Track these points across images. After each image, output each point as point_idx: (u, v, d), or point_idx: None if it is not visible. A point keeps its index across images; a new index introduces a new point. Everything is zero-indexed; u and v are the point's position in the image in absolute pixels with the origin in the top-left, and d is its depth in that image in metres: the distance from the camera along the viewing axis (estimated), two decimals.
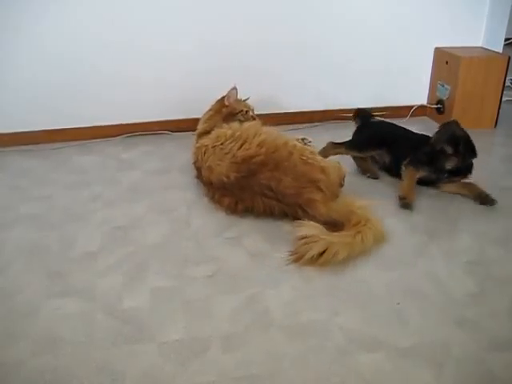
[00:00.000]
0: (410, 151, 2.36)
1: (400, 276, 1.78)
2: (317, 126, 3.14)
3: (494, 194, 2.25)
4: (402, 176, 2.33)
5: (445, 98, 3.13)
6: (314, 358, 1.43)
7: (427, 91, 3.32)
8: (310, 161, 2.08)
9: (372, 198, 2.10)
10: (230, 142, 2.16)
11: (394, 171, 2.43)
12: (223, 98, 2.52)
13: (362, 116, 2.73)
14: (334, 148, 2.51)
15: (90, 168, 2.62)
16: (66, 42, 2.75)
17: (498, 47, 3.14)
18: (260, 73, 2.98)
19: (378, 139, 2.51)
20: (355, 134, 2.61)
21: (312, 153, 2.15)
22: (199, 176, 2.32)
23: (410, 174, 2.29)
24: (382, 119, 2.99)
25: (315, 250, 1.79)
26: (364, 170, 2.51)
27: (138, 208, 2.23)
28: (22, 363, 1.42)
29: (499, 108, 3.11)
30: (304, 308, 1.62)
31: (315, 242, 1.81)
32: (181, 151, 2.77)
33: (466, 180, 2.32)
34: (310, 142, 2.37)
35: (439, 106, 3.19)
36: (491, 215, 2.15)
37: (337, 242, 1.81)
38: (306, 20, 2.96)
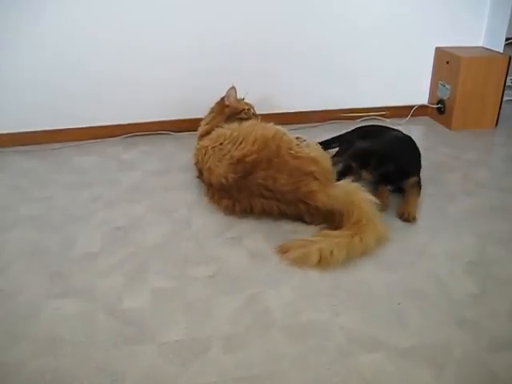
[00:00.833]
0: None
1: (400, 276, 1.78)
2: (316, 126, 3.13)
3: (494, 195, 2.25)
4: None
5: (445, 98, 3.13)
6: (315, 358, 1.43)
7: (428, 91, 3.32)
8: (299, 154, 2.08)
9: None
10: (228, 143, 2.16)
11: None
12: (222, 98, 2.51)
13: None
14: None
15: (90, 168, 2.62)
16: (66, 42, 2.75)
17: (499, 47, 3.14)
18: (260, 73, 2.98)
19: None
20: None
21: (298, 145, 2.14)
22: (200, 176, 2.32)
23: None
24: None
25: (312, 260, 1.80)
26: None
27: (139, 208, 2.22)
28: (22, 364, 1.42)
29: (500, 108, 3.11)
30: (304, 308, 1.62)
31: (307, 247, 1.83)
32: (181, 151, 2.77)
33: (412, 189, 2.24)
34: (304, 140, 2.35)
35: (440, 105, 3.18)
36: (492, 216, 2.15)
37: (333, 244, 1.81)
38: (305, 20, 2.96)
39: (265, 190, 2.03)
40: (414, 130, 3.05)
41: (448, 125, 3.13)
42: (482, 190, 2.37)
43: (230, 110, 2.47)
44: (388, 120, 3.17)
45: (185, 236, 2.02)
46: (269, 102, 3.02)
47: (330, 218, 2.00)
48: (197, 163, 2.32)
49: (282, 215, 2.08)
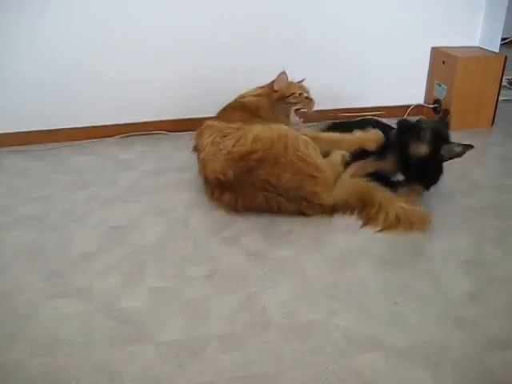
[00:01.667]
0: None
1: (397, 276, 1.78)
2: (315, 126, 3.13)
3: (490, 194, 2.25)
4: None
5: (442, 98, 3.14)
6: (312, 357, 1.43)
7: (424, 91, 3.33)
8: (305, 157, 2.08)
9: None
10: (230, 139, 2.14)
11: None
12: (273, 82, 2.47)
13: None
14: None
15: (88, 168, 2.62)
16: (62, 43, 2.74)
17: (495, 47, 3.15)
18: (260, 73, 2.97)
19: None
20: None
21: (306, 146, 2.12)
22: (195, 151, 2.35)
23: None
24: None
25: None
26: None
27: (136, 208, 2.22)
28: (21, 364, 1.42)
29: (496, 107, 3.12)
30: (302, 308, 1.62)
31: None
32: (177, 151, 2.76)
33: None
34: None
35: (436, 105, 3.19)
36: (488, 215, 2.16)
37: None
38: (305, 20, 2.96)
39: (267, 185, 2.05)
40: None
41: None
42: (478, 189, 2.37)
43: (278, 95, 2.46)
44: (384, 120, 3.16)
45: (182, 236, 2.02)
46: None
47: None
48: (196, 137, 2.34)
49: (281, 212, 2.09)
